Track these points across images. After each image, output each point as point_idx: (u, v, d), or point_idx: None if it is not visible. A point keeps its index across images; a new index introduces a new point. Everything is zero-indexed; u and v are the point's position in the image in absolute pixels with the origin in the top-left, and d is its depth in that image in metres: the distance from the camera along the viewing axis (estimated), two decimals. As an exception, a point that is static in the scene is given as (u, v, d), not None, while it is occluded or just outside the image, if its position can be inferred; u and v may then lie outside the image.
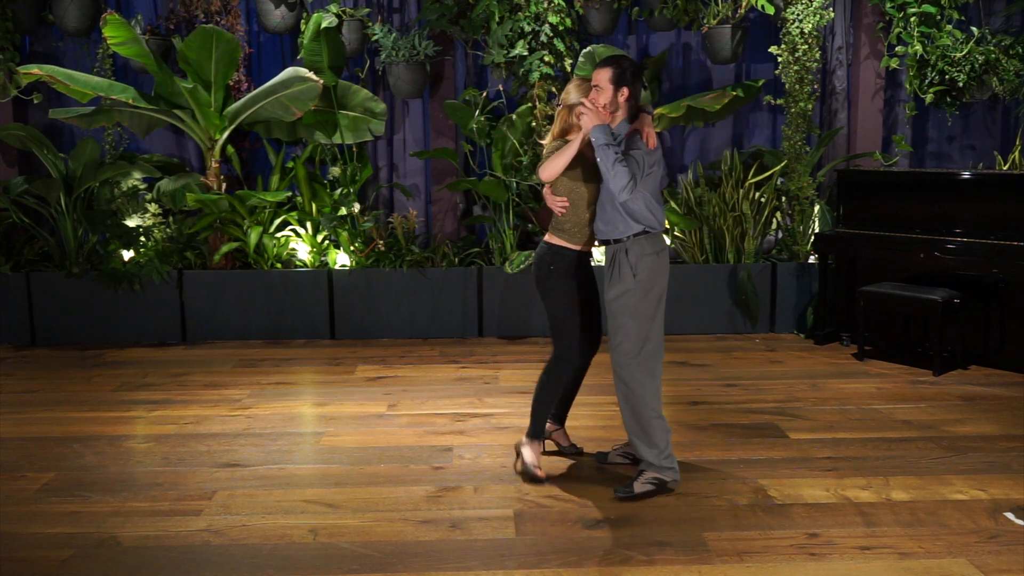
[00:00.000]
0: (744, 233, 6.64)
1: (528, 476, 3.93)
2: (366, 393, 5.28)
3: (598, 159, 3.63)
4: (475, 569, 3.17)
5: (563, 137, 3.85)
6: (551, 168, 3.78)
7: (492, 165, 6.74)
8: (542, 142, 4.08)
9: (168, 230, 6.70)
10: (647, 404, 3.73)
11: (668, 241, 3.74)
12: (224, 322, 6.57)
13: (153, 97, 6.49)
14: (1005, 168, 6.62)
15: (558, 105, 3.89)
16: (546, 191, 3.92)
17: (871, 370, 5.67)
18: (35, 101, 6.91)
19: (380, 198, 7.42)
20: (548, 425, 4.14)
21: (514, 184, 6.64)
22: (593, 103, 3.67)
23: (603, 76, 3.71)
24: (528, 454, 3.97)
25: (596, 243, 3.93)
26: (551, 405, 4.01)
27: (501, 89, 6.70)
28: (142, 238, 6.60)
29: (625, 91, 3.71)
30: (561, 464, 4.13)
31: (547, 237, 3.97)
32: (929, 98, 6.59)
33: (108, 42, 6.07)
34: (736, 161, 6.74)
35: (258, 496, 3.81)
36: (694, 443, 4.39)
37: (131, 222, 6.72)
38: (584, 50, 6.19)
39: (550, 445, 4.26)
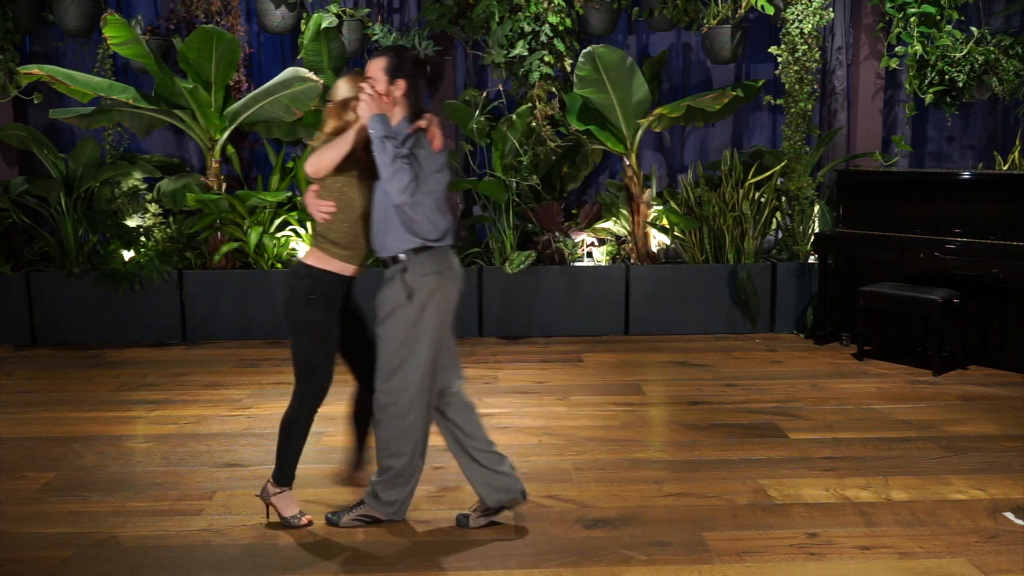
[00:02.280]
0: (744, 233, 6.64)
1: (291, 527, 3.50)
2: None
3: (375, 153, 3.16)
4: (475, 569, 3.17)
5: (336, 136, 3.33)
6: (320, 162, 3.25)
7: (492, 165, 6.74)
8: (311, 143, 3.58)
9: (168, 230, 6.70)
10: (407, 441, 3.36)
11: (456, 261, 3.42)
12: (224, 322, 6.57)
13: (153, 97, 6.49)
14: (1005, 168, 6.62)
15: (328, 102, 3.42)
16: (309, 194, 3.35)
17: (871, 370, 5.67)
18: (35, 101, 6.91)
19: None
20: (352, 471, 3.70)
21: (514, 184, 6.64)
22: (374, 91, 3.23)
23: (377, 66, 3.26)
24: (284, 507, 3.51)
25: (363, 265, 3.42)
26: (300, 450, 3.49)
27: (501, 89, 6.70)
28: (142, 238, 6.60)
29: (401, 84, 3.26)
30: (561, 464, 4.13)
31: (309, 257, 3.36)
32: (929, 98, 6.59)
33: (108, 42, 6.07)
34: (736, 161, 6.74)
35: (258, 496, 3.80)
36: (694, 443, 4.39)
37: (131, 222, 6.72)
38: (584, 50, 6.19)
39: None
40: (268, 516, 3.59)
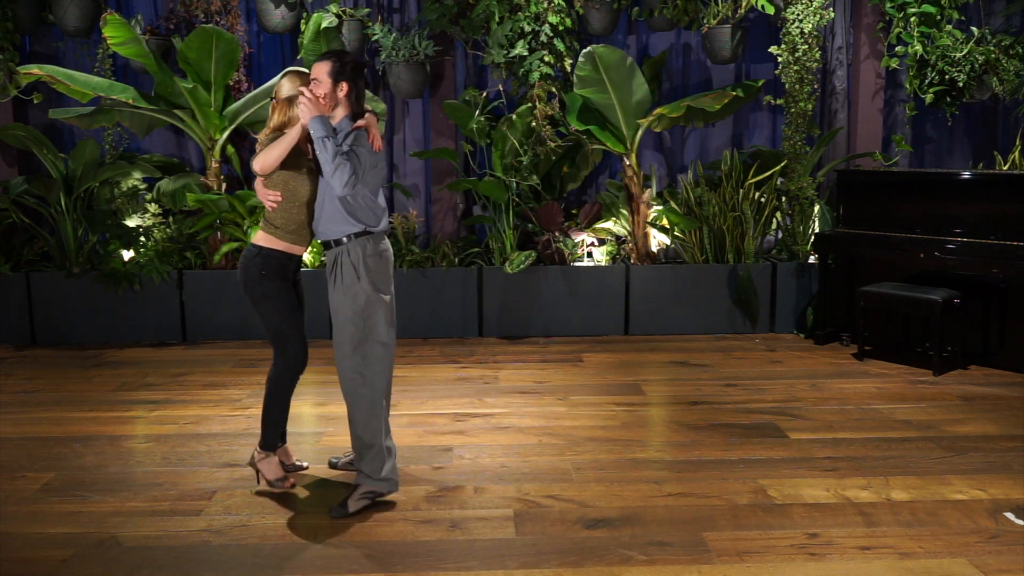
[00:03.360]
0: (744, 233, 6.64)
1: (277, 488, 3.84)
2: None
3: (317, 152, 3.47)
4: (475, 569, 3.17)
5: (281, 131, 3.65)
6: (266, 159, 3.57)
7: (492, 165, 6.74)
8: (256, 136, 3.85)
9: (168, 230, 6.70)
10: (366, 416, 3.61)
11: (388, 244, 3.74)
12: (224, 322, 6.57)
13: (153, 97, 6.49)
14: (1005, 168, 6.62)
15: (272, 99, 3.72)
16: (258, 184, 3.71)
17: (871, 370, 5.67)
18: (35, 101, 6.90)
19: (380, 198, 7.41)
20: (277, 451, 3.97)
21: (514, 184, 6.64)
22: (312, 95, 3.51)
23: (322, 69, 3.54)
24: (268, 470, 3.85)
25: (309, 245, 3.79)
26: (283, 416, 3.88)
27: (501, 89, 6.70)
28: (142, 238, 6.60)
29: (344, 86, 3.55)
30: (561, 464, 4.13)
31: (256, 238, 3.74)
32: (929, 98, 6.59)
33: (108, 42, 6.07)
34: (736, 161, 6.75)
35: (258, 496, 3.80)
36: (694, 443, 4.39)
37: (131, 222, 6.72)
38: (584, 50, 6.19)
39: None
40: (259, 483, 3.88)
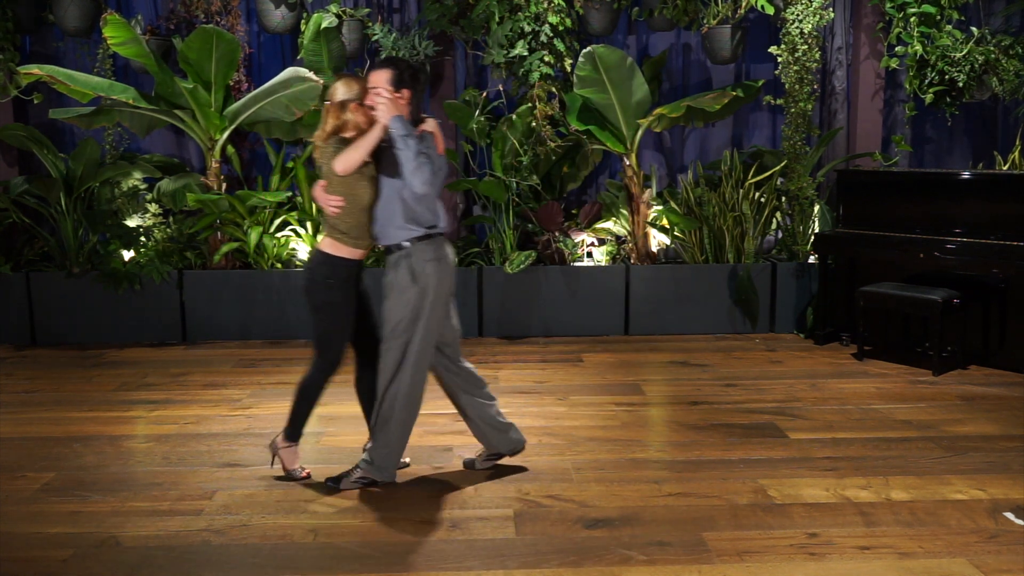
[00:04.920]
0: (744, 233, 6.64)
1: (293, 478, 3.95)
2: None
3: (398, 150, 3.49)
4: (475, 569, 3.17)
5: (336, 135, 3.67)
6: (351, 159, 3.58)
7: (492, 165, 6.74)
8: (312, 140, 3.90)
9: (168, 230, 6.70)
10: (403, 411, 3.70)
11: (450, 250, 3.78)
12: (224, 322, 6.57)
13: (153, 97, 6.49)
14: (1005, 168, 6.63)
15: (326, 102, 3.74)
16: (318, 189, 3.73)
17: (871, 370, 5.67)
18: (35, 101, 6.91)
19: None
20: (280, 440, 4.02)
21: (514, 184, 6.64)
22: (396, 98, 3.56)
23: (381, 78, 3.60)
24: (289, 460, 3.95)
25: (371, 249, 3.81)
26: (310, 411, 3.93)
27: (501, 89, 6.70)
28: (142, 238, 6.60)
29: (405, 93, 3.61)
30: (561, 464, 4.13)
31: (321, 244, 3.75)
32: (929, 98, 6.59)
33: (108, 42, 6.07)
34: (736, 161, 6.75)
35: (258, 496, 3.81)
36: (694, 443, 4.39)
37: (131, 222, 6.72)
38: (584, 50, 6.19)
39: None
40: (272, 465, 4.00)
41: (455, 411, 4.87)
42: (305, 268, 3.80)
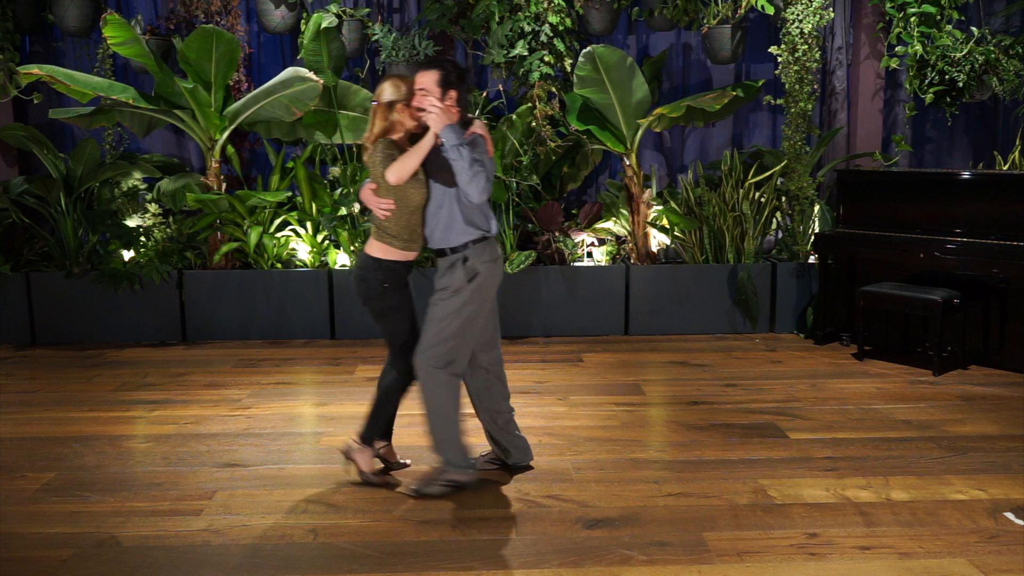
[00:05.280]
0: (744, 233, 6.64)
1: (369, 483, 3.88)
2: (366, 393, 5.26)
3: (452, 160, 3.47)
4: (475, 569, 3.17)
5: (385, 136, 3.64)
6: (404, 170, 3.55)
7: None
8: (362, 142, 3.87)
9: (168, 230, 6.70)
10: (448, 403, 3.69)
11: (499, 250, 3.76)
12: (224, 322, 6.57)
13: (153, 97, 6.49)
14: (1005, 168, 6.63)
15: (373, 103, 3.69)
16: (366, 191, 3.69)
17: (871, 370, 5.67)
18: (35, 101, 6.91)
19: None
20: (377, 443, 4.00)
21: (514, 184, 6.64)
22: (441, 104, 3.53)
23: (429, 79, 3.56)
24: (364, 462, 3.88)
25: (421, 251, 3.77)
26: (392, 417, 3.95)
27: (501, 89, 6.70)
28: (142, 238, 6.60)
29: (453, 94, 3.57)
30: (561, 464, 4.13)
31: (371, 249, 3.70)
32: (929, 98, 6.59)
33: (108, 42, 6.07)
34: (736, 161, 6.75)
35: (258, 496, 3.81)
36: (694, 443, 4.39)
37: (131, 222, 6.72)
38: (584, 50, 6.19)
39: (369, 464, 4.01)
40: (348, 472, 3.93)
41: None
42: (357, 277, 3.73)
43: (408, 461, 4.11)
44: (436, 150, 3.57)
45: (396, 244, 3.66)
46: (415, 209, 3.64)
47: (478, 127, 3.61)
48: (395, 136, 3.64)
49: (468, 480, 3.77)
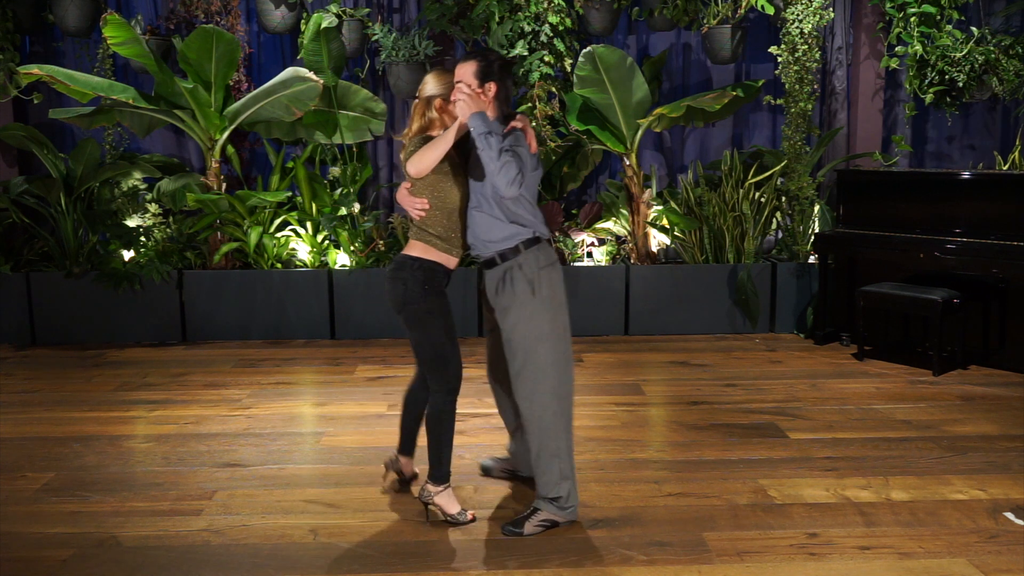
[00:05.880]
0: (744, 233, 6.64)
1: (459, 523, 3.49)
2: (366, 393, 5.27)
3: (479, 150, 3.17)
4: (475, 569, 3.17)
5: (423, 133, 3.41)
6: (424, 161, 3.28)
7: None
8: (399, 138, 3.65)
9: (168, 230, 6.71)
10: (558, 437, 3.39)
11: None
12: (224, 322, 6.57)
13: (153, 97, 6.49)
14: (1005, 168, 6.63)
15: (415, 99, 3.46)
16: (402, 191, 3.42)
17: (871, 370, 5.67)
18: (35, 101, 6.91)
19: (380, 198, 7.42)
20: (397, 453, 3.77)
21: (514, 184, 6.63)
22: (477, 93, 3.26)
23: (467, 70, 3.29)
24: (448, 505, 3.49)
25: (460, 260, 3.48)
26: (452, 440, 3.51)
27: (501, 89, 6.69)
28: (142, 238, 6.60)
29: (492, 87, 3.30)
30: (561, 464, 4.12)
31: (411, 249, 3.40)
32: (929, 98, 6.59)
33: (108, 42, 6.07)
34: (736, 161, 6.75)
35: (258, 496, 3.81)
36: (694, 443, 4.39)
37: (131, 222, 6.72)
38: (584, 50, 6.19)
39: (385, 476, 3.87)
40: (428, 518, 3.53)
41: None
42: (394, 279, 3.39)
43: (417, 471, 3.86)
44: (474, 150, 3.31)
45: (439, 245, 3.38)
46: (453, 209, 3.38)
47: (520, 121, 3.34)
48: (433, 133, 3.40)
49: (565, 521, 3.46)
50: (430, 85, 3.41)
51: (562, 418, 3.38)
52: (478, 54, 3.34)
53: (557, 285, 3.37)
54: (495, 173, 3.15)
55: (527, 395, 3.36)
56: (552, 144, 6.55)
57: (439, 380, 3.44)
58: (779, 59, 6.53)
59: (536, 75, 6.36)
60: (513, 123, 3.32)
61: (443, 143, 3.28)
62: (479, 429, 4.62)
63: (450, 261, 3.42)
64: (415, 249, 3.39)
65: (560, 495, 3.41)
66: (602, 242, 7.03)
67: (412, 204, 3.38)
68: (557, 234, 6.75)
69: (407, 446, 3.78)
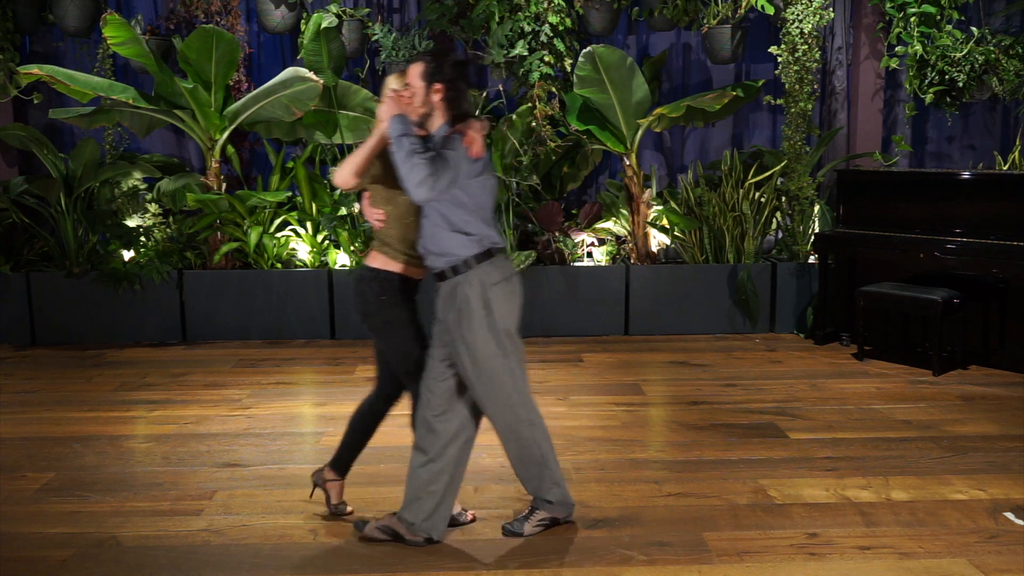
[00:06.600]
0: (744, 233, 6.64)
1: (338, 512, 3.55)
2: (366, 393, 5.25)
3: (392, 151, 3.06)
4: (475, 569, 3.17)
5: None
6: (343, 170, 3.20)
7: (492, 165, 6.73)
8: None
9: (168, 230, 6.70)
10: (538, 445, 3.34)
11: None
12: (224, 322, 6.57)
13: (153, 97, 6.49)
14: (1005, 168, 6.63)
15: (378, 101, 3.36)
16: (364, 202, 3.36)
17: (871, 370, 5.67)
18: (35, 101, 6.91)
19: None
20: (328, 472, 3.58)
21: (514, 184, 6.64)
22: (399, 95, 3.15)
23: (415, 71, 3.16)
24: (334, 493, 3.55)
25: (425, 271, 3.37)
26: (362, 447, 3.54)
27: (501, 89, 6.70)
28: (142, 238, 6.60)
29: (439, 87, 3.14)
30: (561, 464, 4.11)
31: (371, 260, 3.34)
32: (929, 98, 6.59)
33: (108, 42, 6.08)
34: (736, 161, 6.74)
35: (258, 496, 3.81)
36: (694, 443, 4.39)
37: (131, 222, 6.72)
38: (584, 50, 6.19)
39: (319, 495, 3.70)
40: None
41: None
42: (354, 291, 3.36)
43: (351, 509, 3.66)
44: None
45: (396, 256, 3.31)
46: (408, 219, 3.28)
47: (469, 125, 3.19)
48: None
49: (564, 518, 3.46)
50: (391, 86, 3.30)
51: (532, 427, 3.32)
52: (429, 53, 3.26)
53: (509, 300, 3.24)
54: (404, 176, 3.03)
55: (492, 412, 3.27)
56: (552, 144, 6.55)
57: (393, 386, 3.46)
58: (779, 59, 6.53)
59: (536, 75, 6.36)
60: (459, 126, 3.18)
61: (364, 150, 3.20)
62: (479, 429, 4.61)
63: (411, 271, 3.33)
64: (375, 260, 3.34)
65: (553, 499, 3.40)
66: (602, 242, 7.03)
67: (372, 215, 3.33)
68: (557, 234, 6.75)
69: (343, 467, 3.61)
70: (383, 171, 3.23)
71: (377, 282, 3.30)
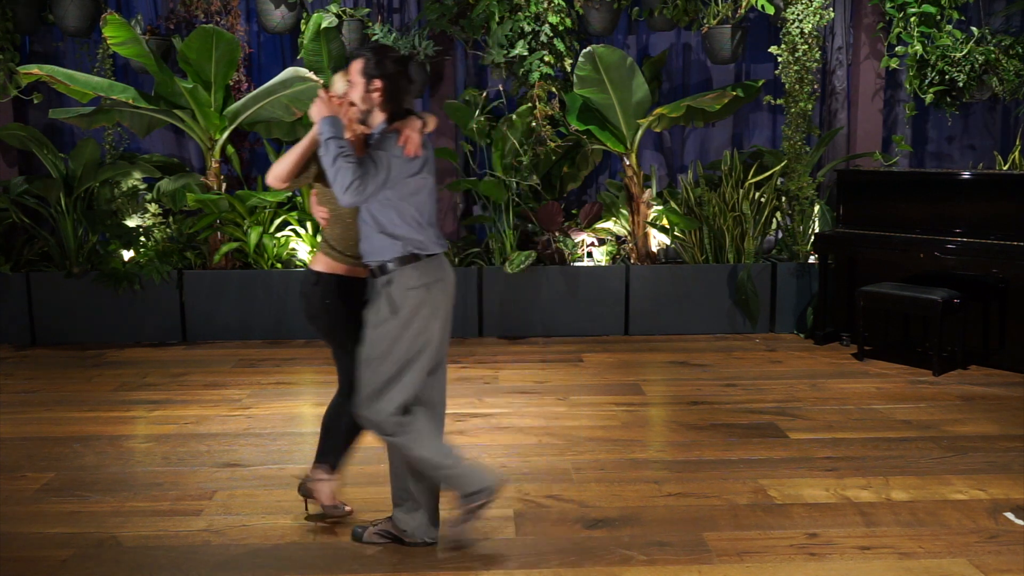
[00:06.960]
0: (744, 233, 6.64)
1: (333, 515, 3.52)
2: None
3: (320, 154, 3.02)
4: (475, 569, 3.17)
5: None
6: (275, 169, 3.19)
7: (492, 165, 6.74)
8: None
9: (168, 230, 6.70)
10: (433, 451, 3.15)
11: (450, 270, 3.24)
12: (224, 322, 6.57)
13: (153, 97, 6.49)
14: (1005, 168, 6.63)
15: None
16: (312, 200, 3.36)
17: (871, 370, 5.67)
18: (35, 101, 6.91)
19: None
20: (315, 471, 3.52)
21: (514, 184, 6.64)
22: (330, 97, 3.08)
23: (354, 68, 3.10)
24: (324, 494, 3.48)
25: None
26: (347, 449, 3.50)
27: (501, 89, 6.70)
28: (142, 238, 6.60)
29: (377, 83, 3.08)
30: (561, 464, 4.13)
31: (316, 263, 3.30)
32: (929, 98, 6.59)
33: (108, 42, 6.07)
34: (736, 161, 6.74)
35: (258, 496, 3.81)
36: (694, 443, 4.39)
37: (131, 222, 6.72)
38: (584, 50, 6.19)
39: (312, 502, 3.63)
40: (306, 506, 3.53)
41: (455, 411, 4.90)
42: (300, 293, 3.35)
43: (349, 508, 3.63)
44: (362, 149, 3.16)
45: (337, 257, 3.27)
46: (347, 220, 3.23)
47: (406, 123, 3.10)
48: (347, 134, 3.15)
49: (495, 493, 3.21)
50: (337, 85, 3.26)
51: (427, 426, 3.17)
52: (368, 49, 3.14)
53: (422, 308, 3.10)
54: (332, 180, 2.97)
55: (376, 413, 3.12)
56: (552, 144, 6.55)
57: (349, 384, 3.35)
58: (779, 59, 6.53)
59: (536, 75, 6.36)
60: (396, 124, 3.11)
61: (296, 150, 3.17)
62: (479, 429, 4.63)
63: (356, 271, 3.26)
64: (318, 263, 3.31)
65: (471, 490, 3.16)
66: (602, 242, 7.03)
67: (317, 213, 3.32)
68: (557, 234, 6.76)
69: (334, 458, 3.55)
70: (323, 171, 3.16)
71: (320, 285, 3.27)
